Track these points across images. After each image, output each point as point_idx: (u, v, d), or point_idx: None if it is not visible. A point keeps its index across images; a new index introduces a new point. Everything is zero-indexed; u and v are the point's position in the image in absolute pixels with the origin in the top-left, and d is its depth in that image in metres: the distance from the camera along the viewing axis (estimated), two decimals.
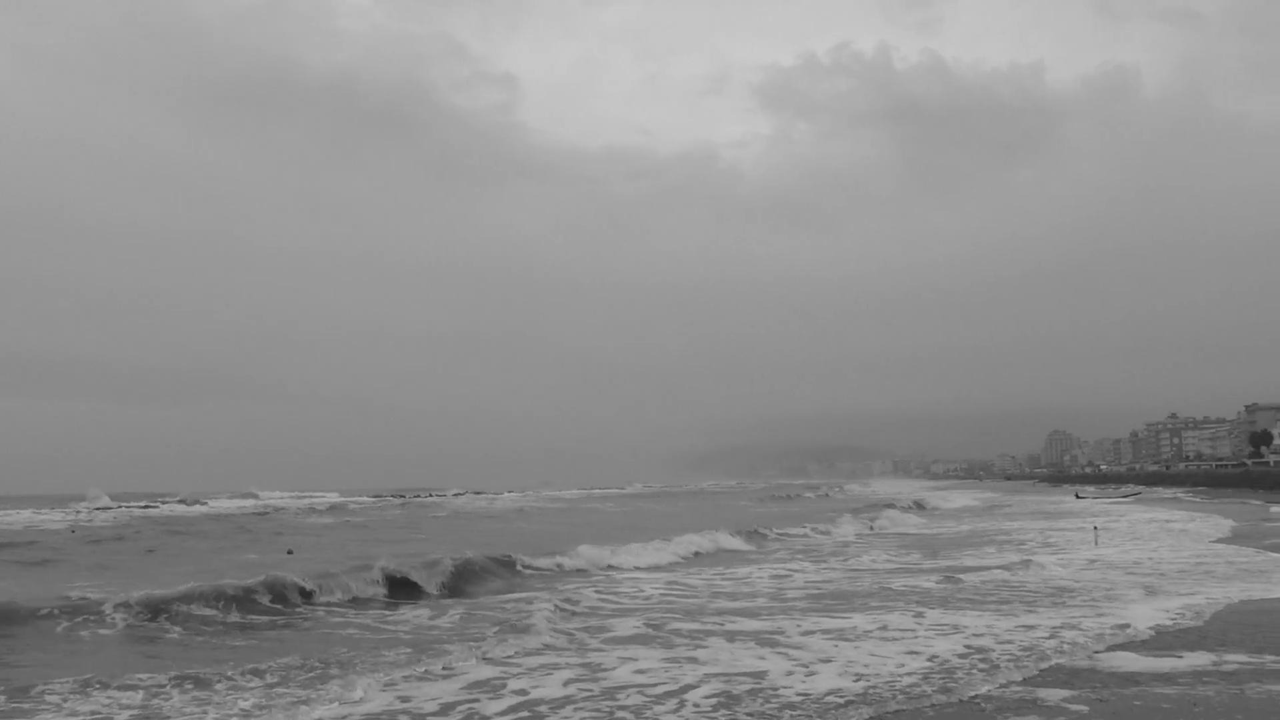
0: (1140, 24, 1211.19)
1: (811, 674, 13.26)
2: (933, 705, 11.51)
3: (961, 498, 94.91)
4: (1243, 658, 13.49)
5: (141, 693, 12.51)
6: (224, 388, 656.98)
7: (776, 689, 12.46)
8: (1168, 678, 12.49)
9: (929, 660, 13.97)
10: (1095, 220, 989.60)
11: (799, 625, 17.28)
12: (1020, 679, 12.70)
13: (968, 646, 14.88)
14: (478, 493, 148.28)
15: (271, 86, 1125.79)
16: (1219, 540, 35.71)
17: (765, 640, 15.80)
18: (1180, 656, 13.78)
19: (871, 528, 48.38)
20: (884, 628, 16.75)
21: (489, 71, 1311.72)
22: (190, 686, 12.79)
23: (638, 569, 28.99)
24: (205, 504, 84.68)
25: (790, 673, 13.36)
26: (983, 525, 50.32)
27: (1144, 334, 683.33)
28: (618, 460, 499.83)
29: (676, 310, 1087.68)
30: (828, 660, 14.13)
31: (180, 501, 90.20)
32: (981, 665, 13.57)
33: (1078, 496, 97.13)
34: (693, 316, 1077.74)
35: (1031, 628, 16.50)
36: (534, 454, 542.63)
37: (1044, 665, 13.49)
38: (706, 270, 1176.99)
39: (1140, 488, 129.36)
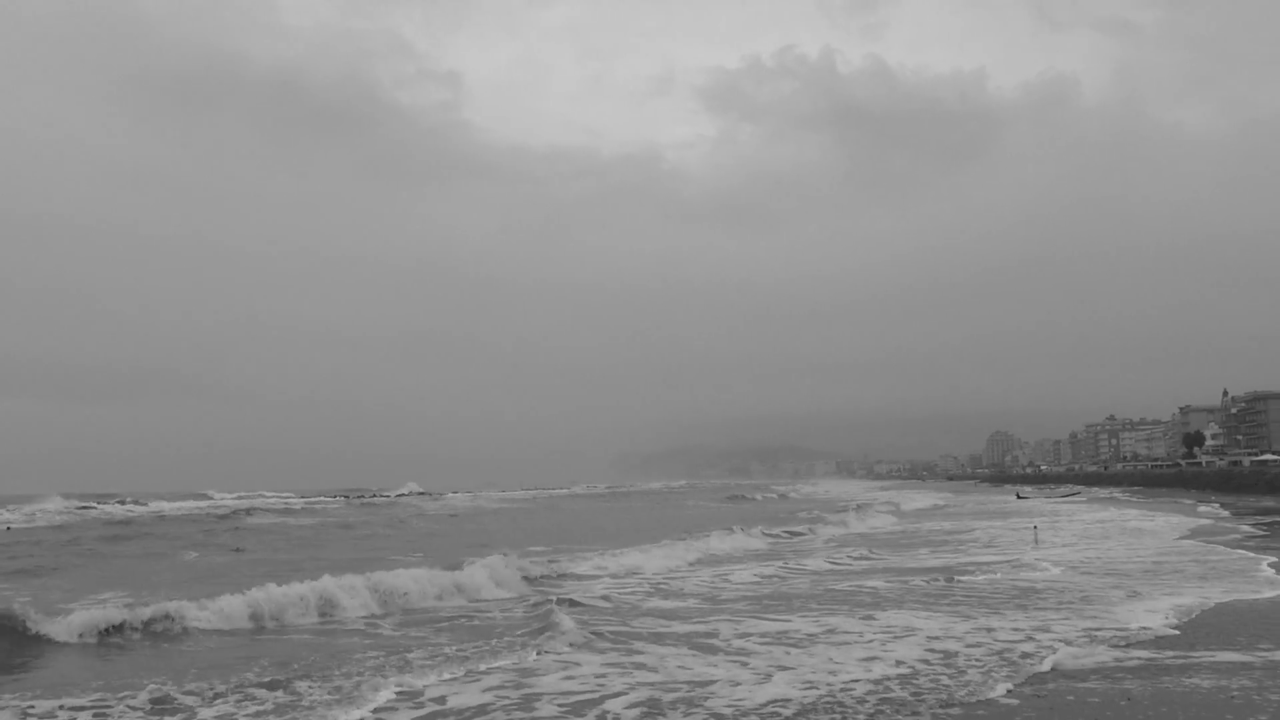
0: (1079, 33, 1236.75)
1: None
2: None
3: (920, 498, 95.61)
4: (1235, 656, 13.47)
5: None
6: (168, 387, 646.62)
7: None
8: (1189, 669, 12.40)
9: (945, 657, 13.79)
10: (1035, 226, 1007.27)
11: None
12: (1048, 668, 12.91)
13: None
14: (422, 493, 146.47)
15: (214, 81, 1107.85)
16: (1183, 537, 36.16)
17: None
18: (1189, 655, 13.72)
19: (848, 528, 48.34)
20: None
21: (433, 69, 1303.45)
22: None
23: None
24: (146, 504, 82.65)
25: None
26: (964, 525, 50.40)
27: (1083, 338, 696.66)
28: (562, 461, 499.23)
29: (621, 311, 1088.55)
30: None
31: (120, 502, 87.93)
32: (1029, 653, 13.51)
33: (1019, 496, 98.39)
34: (637, 317, 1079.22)
35: (1047, 629, 16.38)
36: (478, 454, 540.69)
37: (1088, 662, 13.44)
38: (651, 271, 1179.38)
39: (1079, 488, 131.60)
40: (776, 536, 41.93)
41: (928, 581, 23.36)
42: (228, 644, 16.66)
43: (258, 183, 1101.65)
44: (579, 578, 26.25)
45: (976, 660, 13.82)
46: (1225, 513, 53.99)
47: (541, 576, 25.78)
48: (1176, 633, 15.63)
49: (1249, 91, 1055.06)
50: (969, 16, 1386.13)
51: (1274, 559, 26.37)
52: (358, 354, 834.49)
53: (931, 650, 14.56)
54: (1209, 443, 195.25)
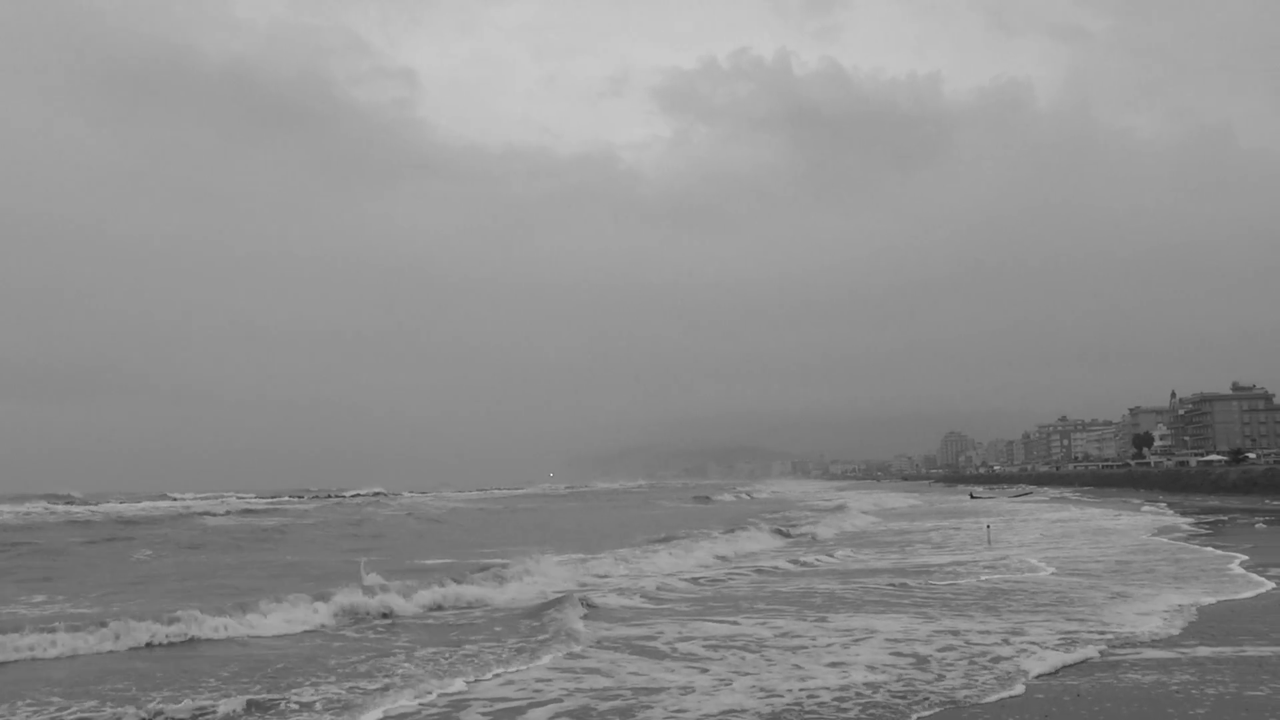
0: (1033, 39, 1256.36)
1: None
2: None
3: (891, 499, 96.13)
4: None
5: None
6: (113, 385, 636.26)
7: None
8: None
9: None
10: (988, 229, 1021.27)
11: None
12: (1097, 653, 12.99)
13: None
14: (377, 493, 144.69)
15: (165, 75, 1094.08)
16: (1152, 535, 36.78)
17: None
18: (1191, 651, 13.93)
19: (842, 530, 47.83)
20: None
21: (389, 66, 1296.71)
22: None
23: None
24: (82, 504, 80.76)
25: None
26: (943, 524, 50.82)
27: (1036, 340, 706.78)
28: (518, 461, 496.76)
29: (576, 311, 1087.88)
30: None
31: (68, 501, 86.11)
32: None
33: (972, 496, 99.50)
34: (592, 317, 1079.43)
35: (1072, 634, 16.41)
36: (433, 454, 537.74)
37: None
38: (607, 271, 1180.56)
39: (1031, 487, 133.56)
40: (789, 536, 41.98)
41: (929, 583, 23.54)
42: None
43: (210, 179, 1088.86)
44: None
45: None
46: (1171, 511, 55.30)
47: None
48: (1177, 633, 15.74)
49: (1195, 100, 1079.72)
50: (923, 21, 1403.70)
51: (1244, 558, 26.90)
52: (315, 354, 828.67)
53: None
54: (1157, 443, 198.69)
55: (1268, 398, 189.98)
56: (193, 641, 16.61)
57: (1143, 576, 23.71)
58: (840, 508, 67.12)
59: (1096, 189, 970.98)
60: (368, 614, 19.42)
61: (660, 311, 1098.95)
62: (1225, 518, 47.09)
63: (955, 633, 16.15)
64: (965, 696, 11.85)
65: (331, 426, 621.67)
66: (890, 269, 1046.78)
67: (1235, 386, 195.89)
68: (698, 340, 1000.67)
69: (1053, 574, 24.76)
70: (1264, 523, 43.10)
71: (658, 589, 23.37)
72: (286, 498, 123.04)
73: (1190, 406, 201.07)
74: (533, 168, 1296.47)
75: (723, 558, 31.76)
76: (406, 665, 14.50)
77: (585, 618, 18.57)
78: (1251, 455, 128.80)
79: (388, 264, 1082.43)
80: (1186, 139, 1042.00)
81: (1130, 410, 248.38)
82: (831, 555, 31.96)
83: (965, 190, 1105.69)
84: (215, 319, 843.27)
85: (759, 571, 27.49)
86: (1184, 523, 44.03)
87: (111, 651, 15.77)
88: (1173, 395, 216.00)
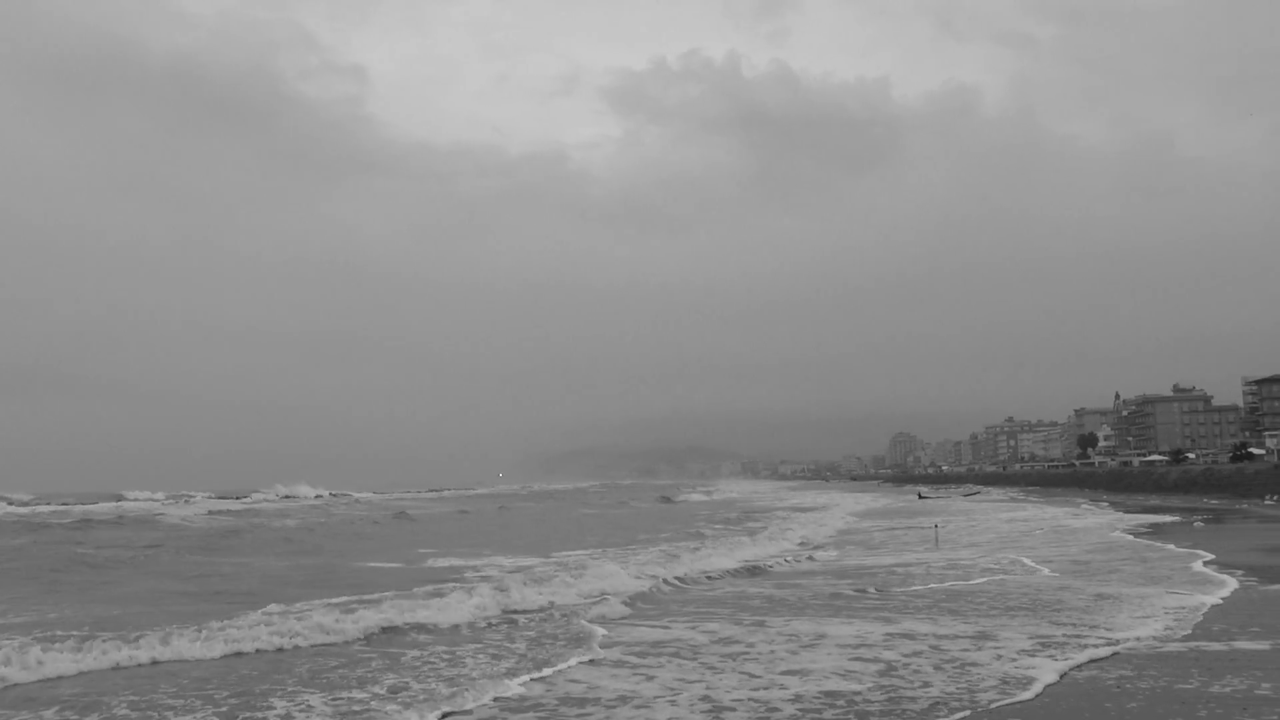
0: (980, 45, 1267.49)
1: None
2: None
3: (859, 500, 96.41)
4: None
5: None
6: (56, 384, 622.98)
7: None
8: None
9: None
10: (936, 233, 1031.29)
11: None
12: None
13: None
14: (334, 494, 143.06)
15: (107, 67, 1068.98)
16: (1114, 534, 37.31)
17: None
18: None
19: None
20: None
21: (338, 62, 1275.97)
22: None
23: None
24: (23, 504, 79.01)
25: None
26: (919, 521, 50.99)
27: (983, 342, 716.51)
28: (469, 461, 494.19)
29: (526, 311, 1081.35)
30: None
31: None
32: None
33: (920, 496, 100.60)
34: (541, 317, 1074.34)
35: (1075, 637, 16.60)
36: (383, 455, 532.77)
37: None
38: (556, 271, 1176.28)
39: (979, 487, 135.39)
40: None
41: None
42: None
43: (153, 174, 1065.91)
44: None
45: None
46: (1112, 509, 56.59)
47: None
48: (1189, 633, 15.85)
49: (1137, 108, 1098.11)
50: (872, 25, 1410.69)
51: (1208, 555, 27.40)
52: (261, 352, 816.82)
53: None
54: (1102, 444, 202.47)
55: (1207, 399, 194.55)
56: None
57: (1109, 576, 24.00)
58: (823, 508, 67.07)
59: (1043, 194, 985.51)
60: None
61: (610, 312, 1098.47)
62: (1173, 518, 47.95)
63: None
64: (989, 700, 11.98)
65: (280, 426, 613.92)
66: (839, 271, 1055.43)
67: (1176, 388, 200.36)
68: (647, 341, 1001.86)
69: (1049, 574, 25.01)
70: (1201, 521, 44.10)
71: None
72: (235, 499, 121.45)
73: (1133, 408, 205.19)
74: (482, 166, 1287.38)
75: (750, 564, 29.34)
76: None
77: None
78: (1191, 455, 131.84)
79: (335, 261, 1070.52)
80: (1129, 147, 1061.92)
81: (1075, 411, 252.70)
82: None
83: (914, 194, 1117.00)
84: (159, 317, 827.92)
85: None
86: (1134, 521, 44.84)
87: None
88: (1116, 397, 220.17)
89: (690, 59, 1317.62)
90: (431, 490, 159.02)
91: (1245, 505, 58.67)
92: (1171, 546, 30.78)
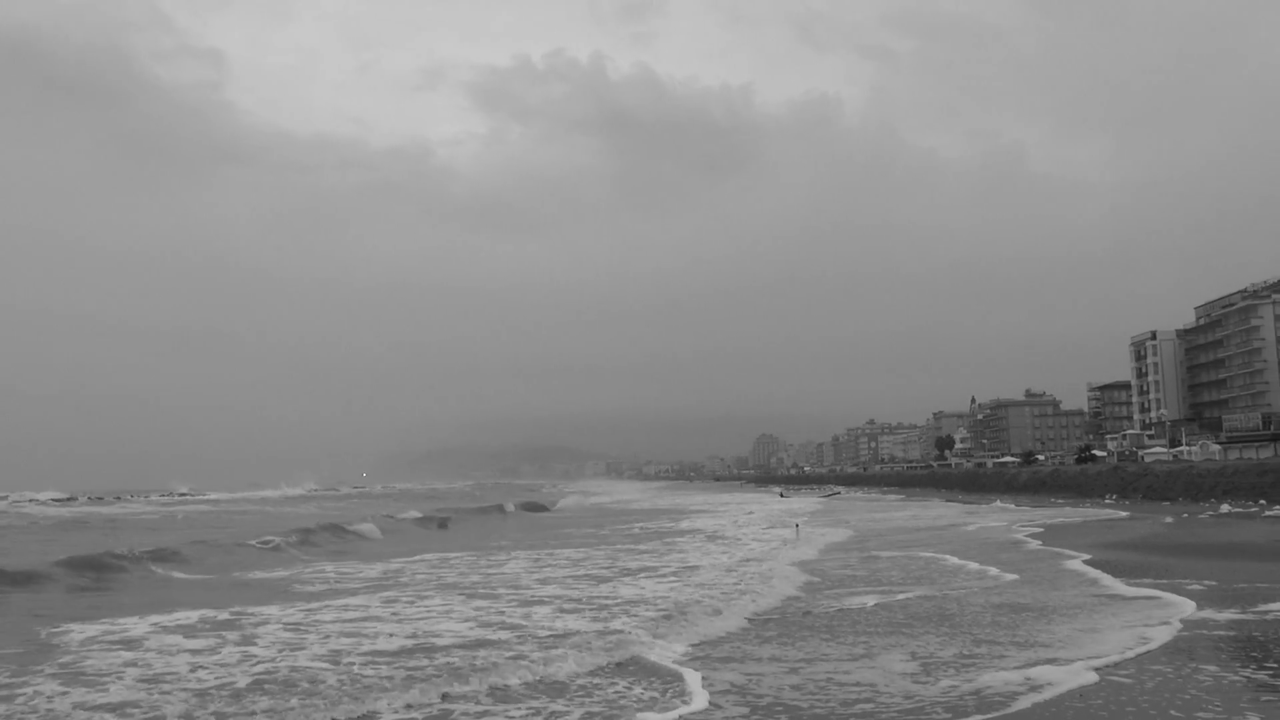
0: (841, 56, 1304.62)
1: None
2: None
3: (724, 497, 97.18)
4: None
5: None
6: None
7: None
8: None
9: None
10: (798, 239, 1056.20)
11: None
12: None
13: None
14: (182, 494, 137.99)
15: None
16: (1032, 536, 38.32)
17: None
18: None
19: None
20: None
21: (195, 45, 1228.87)
22: None
23: None
24: None
25: None
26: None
27: (845, 347, 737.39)
28: (329, 461, 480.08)
29: (387, 309, 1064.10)
30: None
31: None
32: None
33: (781, 495, 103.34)
34: (404, 316, 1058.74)
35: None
36: (238, 454, 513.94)
37: None
38: (419, 269, 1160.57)
39: (838, 488, 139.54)
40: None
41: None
42: None
43: None
44: None
45: None
46: (965, 507, 60.14)
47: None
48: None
49: (991, 123, 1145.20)
50: (736, 32, 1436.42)
51: (1086, 555, 28.41)
52: (111, 347, 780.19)
53: None
54: (959, 445, 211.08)
55: (1055, 404, 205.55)
56: None
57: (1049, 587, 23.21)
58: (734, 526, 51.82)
59: (901, 204, 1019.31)
60: None
61: (472, 311, 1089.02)
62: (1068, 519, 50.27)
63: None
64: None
65: (130, 423, 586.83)
66: (702, 274, 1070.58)
67: (1028, 393, 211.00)
68: (510, 341, 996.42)
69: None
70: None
71: None
72: (84, 499, 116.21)
73: (988, 411, 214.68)
74: (344, 159, 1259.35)
75: None
76: None
77: None
78: (1041, 457, 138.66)
79: (190, 253, 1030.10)
80: (984, 161, 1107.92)
81: (934, 414, 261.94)
82: None
83: (776, 201, 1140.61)
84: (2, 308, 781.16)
85: None
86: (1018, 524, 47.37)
87: None
88: (972, 401, 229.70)
89: (555, 59, 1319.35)
90: (292, 488, 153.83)
91: (1088, 505, 62.71)
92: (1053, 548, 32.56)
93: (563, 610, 19.59)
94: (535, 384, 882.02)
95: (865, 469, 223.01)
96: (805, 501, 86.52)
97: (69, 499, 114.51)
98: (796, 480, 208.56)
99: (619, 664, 14.41)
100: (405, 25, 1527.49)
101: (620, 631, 16.78)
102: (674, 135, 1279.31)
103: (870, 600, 20.63)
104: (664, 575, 26.05)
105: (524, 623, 18.03)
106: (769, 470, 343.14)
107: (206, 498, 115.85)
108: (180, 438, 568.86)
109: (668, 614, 18.72)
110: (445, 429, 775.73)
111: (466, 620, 18.52)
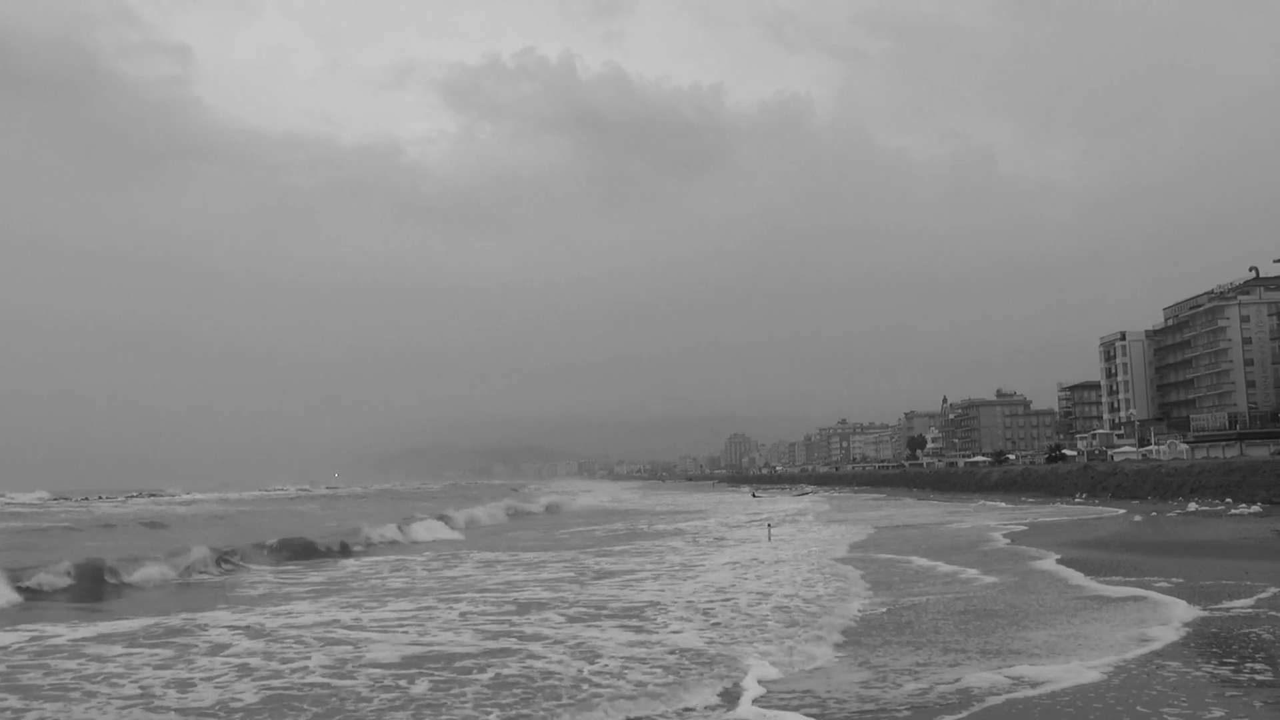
0: (812, 56, 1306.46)
1: None
2: None
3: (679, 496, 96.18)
4: None
5: None
6: None
7: None
8: None
9: None
10: (768, 240, 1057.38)
11: None
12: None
13: None
14: (153, 494, 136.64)
15: None
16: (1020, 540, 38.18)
17: None
18: None
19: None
20: None
21: (162, 40, 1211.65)
22: None
23: None
24: None
25: None
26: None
27: (817, 348, 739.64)
28: (301, 461, 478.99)
29: (358, 308, 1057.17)
30: None
31: None
32: None
33: (754, 495, 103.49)
34: (375, 315, 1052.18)
35: None
36: (207, 453, 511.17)
37: None
38: (389, 268, 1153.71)
39: (813, 487, 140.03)
40: None
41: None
42: None
43: None
44: None
45: None
46: (944, 507, 60.48)
47: None
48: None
49: (960, 124, 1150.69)
50: (707, 32, 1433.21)
51: (1057, 555, 28.55)
52: (68, 345, 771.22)
53: None
54: (930, 445, 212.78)
55: (1026, 404, 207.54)
56: None
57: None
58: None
59: (872, 205, 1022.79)
60: None
61: (443, 311, 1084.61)
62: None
63: None
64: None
65: (90, 423, 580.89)
66: (674, 275, 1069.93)
67: (999, 393, 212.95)
68: (480, 341, 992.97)
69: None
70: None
71: None
72: (76, 499, 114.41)
73: (959, 411, 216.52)
74: (313, 157, 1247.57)
75: None
76: None
77: None
78: (1011, 456, 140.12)
79: (154, 250, 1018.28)
80: (954, 162, 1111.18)
81: (906, 414, 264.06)
82: None
83: (748, 200, 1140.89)
84: None
85: None
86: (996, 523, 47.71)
87: None
88: (944, 401, 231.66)
89: (525, 57, 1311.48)
90: (260, 489, 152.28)
91: (1059, 503, 63.30)
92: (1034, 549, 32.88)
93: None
94: (506, 384, 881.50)
95: (837, 469, 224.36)
96: (796, 503, 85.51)
97: (53, 499, 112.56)
98: (768, 480, 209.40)
99: None
100: (374, 22, 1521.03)
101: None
102: (644, 135, 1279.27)
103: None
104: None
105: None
106: (741, 470, 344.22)
107: (194, 498, 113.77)
108: (148, 438, 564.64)
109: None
110: (415, 430, 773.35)
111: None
